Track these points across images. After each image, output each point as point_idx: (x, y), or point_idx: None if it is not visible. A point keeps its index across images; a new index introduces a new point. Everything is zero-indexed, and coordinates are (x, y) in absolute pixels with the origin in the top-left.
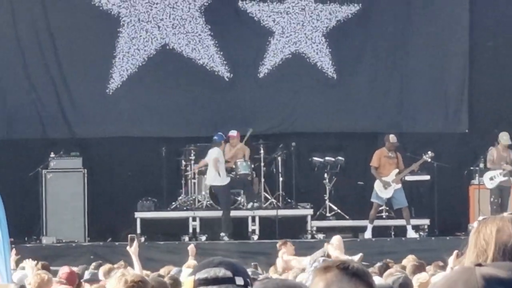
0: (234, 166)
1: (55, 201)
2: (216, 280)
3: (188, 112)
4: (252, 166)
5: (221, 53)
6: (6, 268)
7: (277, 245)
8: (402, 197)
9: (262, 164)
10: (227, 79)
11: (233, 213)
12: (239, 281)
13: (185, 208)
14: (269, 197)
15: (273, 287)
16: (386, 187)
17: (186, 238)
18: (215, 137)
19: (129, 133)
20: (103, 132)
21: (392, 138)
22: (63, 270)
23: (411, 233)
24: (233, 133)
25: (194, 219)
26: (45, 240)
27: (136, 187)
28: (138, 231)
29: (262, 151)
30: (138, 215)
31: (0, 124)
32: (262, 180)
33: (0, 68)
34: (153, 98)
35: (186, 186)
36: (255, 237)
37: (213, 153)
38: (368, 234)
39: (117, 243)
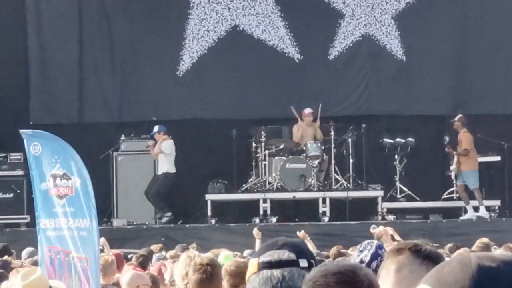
0: (304, 148)
1: (125, 184)
2: (280, 263)
3: (258, 94)
4: (323, 147)
5: (291, 34)
6: (95, 251)
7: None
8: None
9: (333, 145)
10: (297, 61)
11: (304, 195)
12: (303, 263)
13: (255, 190)
14: (339, 178)
15: (334, 267)
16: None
17: (257, 220)
18: (161, 128)
19: (199, 115)
20: (173, 115)
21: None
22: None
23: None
24: (309, 110)
25: (264, 201)
26: (116, 223)
27: (207, 169)
28: (209, 213)
29: (332, 133)
30: (209, 197)
31: (71, 108)
32: (333, 161)
33: (70, 52)
34: (223, 80)
35: (257, 168)
36: (326, 218)
37: (171, 147)
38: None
39: (187, 225)
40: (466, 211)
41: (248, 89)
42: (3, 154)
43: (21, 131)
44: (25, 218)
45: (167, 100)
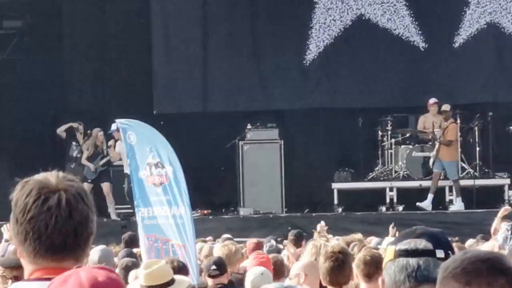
0: (431, 137)
1: (252, 173)
2: (416, 252)
3: (383, 82)
4: None
5: (416, 23)
6: (191, 238)
7: None
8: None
9: (459, 134)
10: (422, 49)
11: (430, 183)
12: (440, 253)
13: (382, 179)
14: (466, 166)
15: (482, 254)
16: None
17: (383, 209)
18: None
19: (325, 105)
20: (299, 103)
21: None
22: (251, 241)
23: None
24: (433, 100)
25: (391, 189)
26: (242, 212)
27: (333, 158)
28: (335, 201)
29: (458, 121)
30: (335, 185)
31: (195, 97)
32: (459, 150)
33: (194, 41)
34: (348, 69)
35: (383, 156)
36: (452, 207)
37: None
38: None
39: (314, 214)
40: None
41: (374, 78)
42: None
43: (116, 120)
44: None
45: (293, 89)
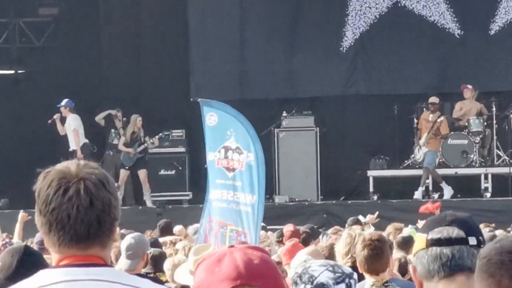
0: (466, 124)
1: (287, 160)
2: (449, 241)
3: (419, 69)
4: (485, 123)
5: (452, 10)
6: (256, 227)
7: None
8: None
9: (495, 121)
10: (457, 36)
11: (466, 170)
12: (472, 241)
13: (417, 166)
14: (501, 154)
15: (501, 246)
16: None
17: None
18: (65, 102)
19: (361, 91)
20: (336, 91)
21: (430, 99)
22: (287, 228)
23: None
24: (469, 86)
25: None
26: (277, 199)
27: (369, 145)
28: (371, 189)
29: (494, 108)
30: (371, 173)
31: (232, 84)
32: (494, 137)
33: (231, 27)
34: (384, 56)
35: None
36: (488, 194)
37: (75, 122)
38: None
39: (349, 202)
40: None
41: (409, 65)
42: (166, 132)
43: (200, 100)
44: (187, 195)
45: (329, 76)
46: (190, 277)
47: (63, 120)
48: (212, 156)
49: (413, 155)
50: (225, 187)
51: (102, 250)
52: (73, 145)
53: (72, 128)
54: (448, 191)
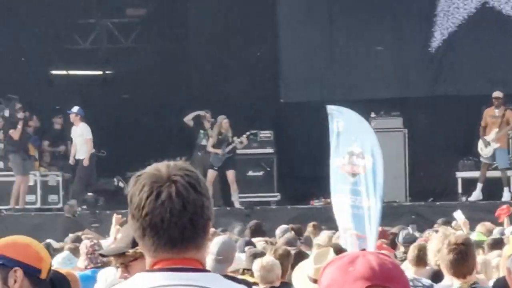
0: None
1: None
2: None
3: (507, 70)
4: None
5: None
6: (374, 231)
7: None
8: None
9: None
10: None
11: None
12: None
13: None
14: None
15: None
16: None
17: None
18: (77, 110)
19: (449, 92)
20: (423, 91)
21: (494, 93)
22: None
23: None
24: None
25: None
26: None
27: (457, 146)
28: (459, 190)
29: None
30: (459, 174)
31: (322, 85)
32: None
33: (320, 29)
34: (472, 56)
35: (508, 144)
36: None
37: (88, 131)
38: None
39: (438, 203)
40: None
41: (498, 65)
42: (253, 131)
43: (328, 106)
44: (275, 196)
45: (417, 77)
46: (311, 284)
47: (67, 125)
48: (338, 162)
49: (480, 150)
50: (347, 191)
51: (197, 252)
52: (80, 154)
53: (86, 137)
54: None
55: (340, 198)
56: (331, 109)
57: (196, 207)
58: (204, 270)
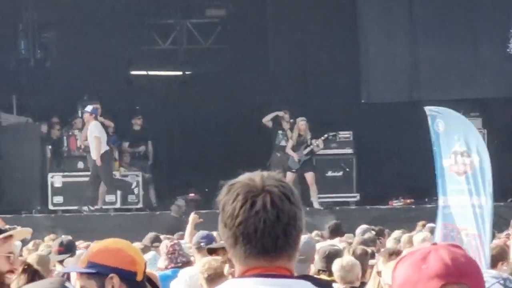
0: None
1: None
2: None
3: None
4: None
5: None
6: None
7: None
8: None
9: None
10: None
11: None
12: None
13: None
14: None
15: None
16: None
17: None
18: (91, 109)
19: None
20: (502, 91)
21: None
22: None
23: None
24: None
25: None
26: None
27: None
28: None
29: None
30: None
31: (403, 86)
32: None
33: (402, 25)
34: None
35: None
36: None
37: (97, 129)
38: None
39: None
40: None
41: None
42: (331, 133)
43: (426, 108)
44: (354, 197)
45: (496, 77)
46: None
47: (146, 125)
48: (445, 163)
49: None
50: (458, 192)
51: (288, 261)
52: (93, 154)
53: (94, 135)
54: None
55: (451, 199)
56: (430, 110)
57: (289, 217)
58: (296, 277)
